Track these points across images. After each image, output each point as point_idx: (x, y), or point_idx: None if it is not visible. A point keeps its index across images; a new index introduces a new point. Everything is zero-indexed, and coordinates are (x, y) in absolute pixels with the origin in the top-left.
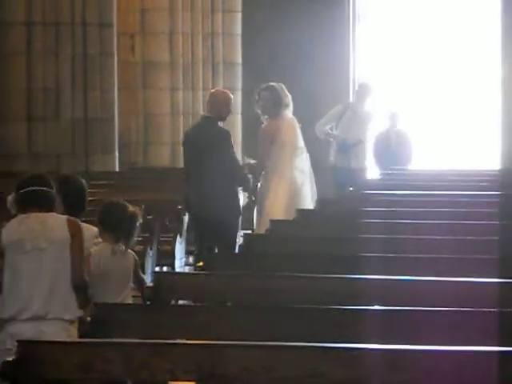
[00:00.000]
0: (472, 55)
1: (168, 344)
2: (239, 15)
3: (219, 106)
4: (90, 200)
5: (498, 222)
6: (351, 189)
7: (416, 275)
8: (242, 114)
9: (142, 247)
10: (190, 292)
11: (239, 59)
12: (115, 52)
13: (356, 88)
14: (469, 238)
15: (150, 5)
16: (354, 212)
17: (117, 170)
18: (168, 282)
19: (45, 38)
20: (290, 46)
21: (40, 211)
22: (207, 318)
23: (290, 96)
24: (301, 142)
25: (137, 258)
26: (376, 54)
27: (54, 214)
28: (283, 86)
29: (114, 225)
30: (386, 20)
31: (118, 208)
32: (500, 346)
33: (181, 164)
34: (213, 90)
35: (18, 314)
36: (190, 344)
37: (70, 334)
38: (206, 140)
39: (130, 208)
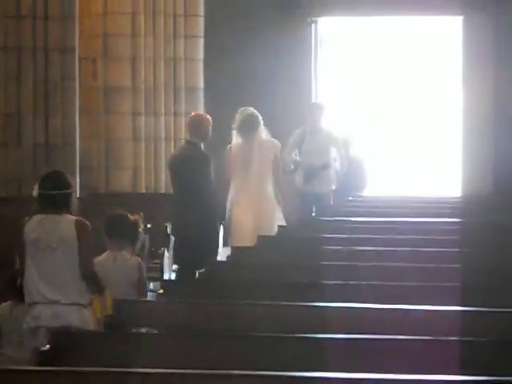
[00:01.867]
0: (433, 80)
1: (125, 372)
2: (201, 40)
3: (203, 130)
4: None
5: (459, 250)
6: (313, 214)
7: (377, 303)
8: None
9: None
10: (150, 319)
11: (201, 84)
12: (77, 77)
13: (308, 109)
14: (430, 265)
15: (113, 30)
16: (315, 238)
17: (77, 195)
18: (128, 310)
19: (6, 63)
20: (252, 71)
21: (55, 212)
22: (166, 345)
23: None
24: None
25: (143, 266)
26: (337, 79)
27: (66, 215)
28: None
29: (119, 233)
30: (348, 45)
31: (120, 217)
32: (461, 374)
33: (141, 189)
34: (193, 114)
35: (38, 299)
36: (148, 373)
37: (83, 316)
38: (190, 165)
39: (131, 216)
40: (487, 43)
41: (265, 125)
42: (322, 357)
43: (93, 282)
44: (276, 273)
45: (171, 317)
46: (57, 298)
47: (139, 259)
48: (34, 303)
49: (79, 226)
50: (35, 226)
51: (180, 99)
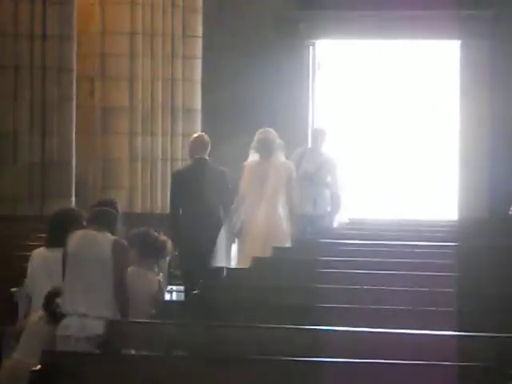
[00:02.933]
0: (430, 104)
1: None
2: (199, 62)
3: (209, 148)
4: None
5: (454, 274)
6: (309, 236)
7: (373, 326)
8: None
9: None
10: (140, 341)
11: (199, 105)
12: (74, 96)
13: (311, 133)
14: (425, 289)
15: (111, 50)
16: (311, 261)
17: None
18: (119, 331)
19: (3, 81)
20: (249, 93)
21: (96, 229)
22: (157, 368)
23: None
24: None
25: (162, 285)
26: (335, 102)
27: (106, 233)
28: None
29: (151, 251)
30: (346, 68)
31: (151, 236)
32: None
33: (137, 209)
34: (199, 134)
35: (70, 310)
36: None
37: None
38: (205, 179)
39: (160, 236)
40: (484, 68)
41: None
42: (318, 381)
43: (120, 298)
44: (271, 295)
45: (161, 338)
46: (87, 312)
47: (160, 278)
48: (67, 313)
49: (116, 245)
50: (77, 240)
51: (177, 120)
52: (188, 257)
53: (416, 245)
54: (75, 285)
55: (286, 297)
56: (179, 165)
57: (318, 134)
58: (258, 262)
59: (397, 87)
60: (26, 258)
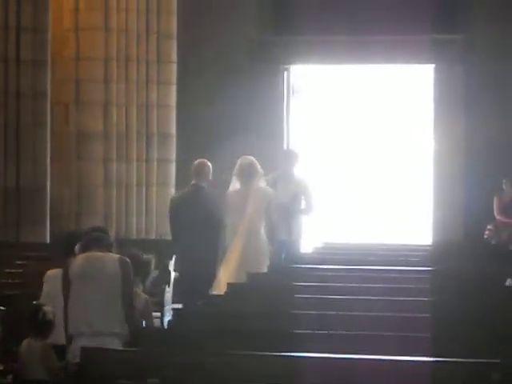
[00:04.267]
0: (405, 130)
1: None
2: (174, 87)
3: (208, 174)
4: (20, 272)
5: (429, 299)
6: (284, 262)
7: (348, 352)
8: (175, 185)
9: None
10: (116, 368)
11: (173, 130)
12: (48, 122)
13: (283, 155)
14: (400, 314)
15: (85, 75)
16: (286, 287)
17: (48, 241)
18: (95, 358)
19: None
20: (224, 118)
21: (98, 251)
22: None
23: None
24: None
25: (149, 301)
26: (310, 126)
27: (109, 253)
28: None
29: (135, 270)
30: (320, 93)
31: (135, 256)
32: None
33: (112, 235)
34: (198, 161)
35: (83, 330)
36: None
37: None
38: (198, 205)
39: (144, 256)
40: (458, 91)
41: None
42: None
43: (130, 314)
44: (245, 321)
45: (137, 366)
46: (101, 328)
47: (146, 296)
48: (80, 334)
49: (122, 263)
50: (81, 262)
51: (152, 145)
52: (184, 280)
53: (390, 269)
54: (84, 303)
55: (261, 323)
56: (154, 190)
57: (289, 157)
58: (232, 288)
59: (371, 111)
60: (6, 285)
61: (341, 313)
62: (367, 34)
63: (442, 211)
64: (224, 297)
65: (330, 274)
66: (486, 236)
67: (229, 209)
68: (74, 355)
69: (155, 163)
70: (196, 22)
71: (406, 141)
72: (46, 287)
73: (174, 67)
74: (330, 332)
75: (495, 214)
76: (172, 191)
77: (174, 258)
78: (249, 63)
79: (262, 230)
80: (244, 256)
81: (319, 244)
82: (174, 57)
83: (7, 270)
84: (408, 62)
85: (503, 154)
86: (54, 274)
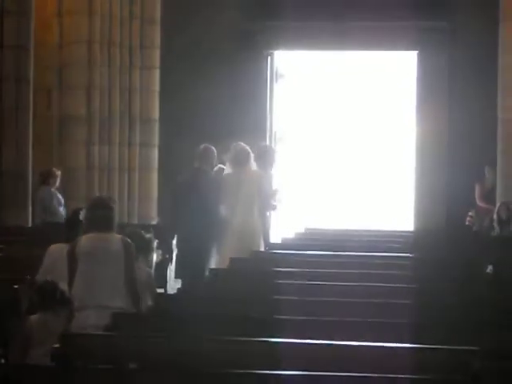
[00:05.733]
0: (388, 116)
1: None
2: (157, 71)
3: (214, 159)
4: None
5: (410, 286)
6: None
7: (329, 339)
8: (158, 169)
9: None
10: (97, 353)
11: (157, 115)
12: (31, 107)
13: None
14: (381, 301)
15: (68, 60)
16: (267, 272)
17: (30, 224)
18: (75, 343)
19: None
20: (207, 103)
21: (105, 231)
22: (113, 381)
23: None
24: None
25: (152, 275)
26: (293, 112)
27: (114, 233)
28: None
29: (138, 247)
30: (304, 79)
31: (136, 234)
32: None
33: None
34: (204, 145)
35: (89, 303)
36: None
37: None
38: (205, 188)
39: (147, 234)
40: (441, 78)
41: (218, 157)
42: None
43: (133, 291)
44: (227, 306)
45: (117, 351)
46: (105, 302)
47: (150, 270)
48: (85, 307)
49: (125, 243)
50: (86, 242)
51: (135, 129)
52: (187, 254)
53: (372, 255)
54: (90, 279)
55: (242, 308)
56: (136, 175)
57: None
58: (214, 273)
59: (355, 98)
60: None
61: (321, 299)
62: (351, 20)
63: (424, 198)
64: (206, 282)
65: (311, 259)
66: (467, 222)
67: (225, 191)
68: (78, 326)
69: (137, 147)
70: (180, 6)
71: (388, 127)
72: (47, 260)
73: (158, 52)
74: (311, 318)
75: (477, 200)
76: (154, 176)
77: (175, 238)
78: (233, 48)
79: (256, 211)
80: (241, 235)
81: (301, 230)
82: (158, 42)
83: None
84: (392, 48)
85: (486, 141)
86: (57, 249)
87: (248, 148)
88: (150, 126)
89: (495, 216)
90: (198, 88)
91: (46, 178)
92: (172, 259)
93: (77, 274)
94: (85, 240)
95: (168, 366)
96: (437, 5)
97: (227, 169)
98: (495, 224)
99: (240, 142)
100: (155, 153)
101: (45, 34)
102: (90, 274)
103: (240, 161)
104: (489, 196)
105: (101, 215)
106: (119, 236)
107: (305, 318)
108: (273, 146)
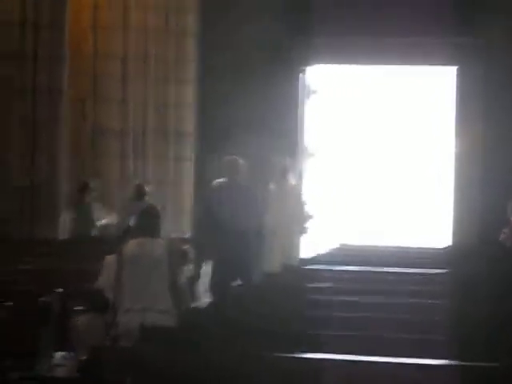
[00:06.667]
0: (425, 132)
1: None
2: (191, 86)
3: (241, 170)
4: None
5: (444, 302)
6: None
7: (365, 355)
8: (193, 183)
9: None
10: (124, 366)
11: (191, 129)
12: (63, 117)
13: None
14: (415, 317)
15: (103, 70)
16: (298, 287)
17: (61, 236)
18: (102, 355)
19: None
20: (241, 118)
21: (150, 236)
22: None
23: None
24: None
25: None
26: (327, 127)
27: (157, 239)
28: None
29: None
30: (339, 94)
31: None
32: None
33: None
34: (232, 158)
35: (134, 307)
36: None
37: (167, 323)
38: (241, 197)
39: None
40: (478, 94)
41: (250, 172)
42: None
43: (176, 294)
44: (260, 321)
45: (144, 363)
46: (150, 305)
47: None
48: (130, 309)
49: (169, 247)
50: (133, 247)
51: (169, 143)
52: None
53: (404, 272)
54: (135, 283)
55: (273, 323)
56: (170, 189)
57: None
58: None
59: (392, 113)
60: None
61: (355, 315)
62: (387, 36)
63: (460, 214)
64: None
65: (346, 276)
66: (501, 239)
67: (268, 204)
68: (123, 328)
69: (171, 161)
70: (216, 20)
71: (425, 143)
72: (104, 271)
73: (193, 66)
74: (344, 333)
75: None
76: (188, 189)
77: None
78: (267, 63)
79: (295, 224)
80: (284, 248)
81: (336, 245)
82: (193, 55)
83: (20, 267)
84: (429, 63)
85: None
86: (111, 259)
87: (287, 163)
88: (184, 139)
89: None
90: (232, 103)
91: (83, 191)
92: (199, 274)
93: (123, 278)
94: (130, 245)
95: (196, 380)
96: (473, 20)
97: (270, 183)
98: None
99: (282, 158)
100: (189, 166)
101: (80, 46)
102: (134, 277)
103: (281, 175)
104: None
105: (148, 222)
106: (163, 241)
107: (338, 333)
108: (300, 160)
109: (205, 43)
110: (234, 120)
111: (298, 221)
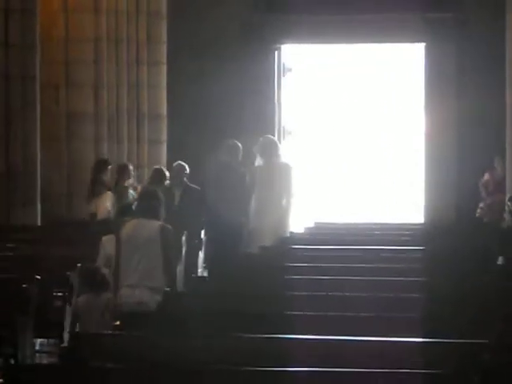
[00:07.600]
0: (396, 108)
1: None
2: (164, 67)
3: (238, 155)
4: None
5: (420, 279)
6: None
7: (339, 334)
8: (166, 166)
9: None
10: (106, 352)
11: (164, 111)
12: (38, 103)
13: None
14: (391, 295)
15: (75, 56)
16: (277, 268)
17: (39, 223)
18: (86, 342)
19: None
20: (215, 98)
21: (146, 218)
22: (122, 379)
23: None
24: None
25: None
26: (301, 105)
27: (153, 221)
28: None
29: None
30: (311, 72)
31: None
32: None
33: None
34: (232, 142)
35: (133, 282)
36: None
37: (157, 298)
38: (234, 178)
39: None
40: (449, 70)
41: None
42: None
43: (168, 274)
44: (236, 303)
45: (126, 350)
46: (145, 282)
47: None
48: (127, 286)
49: (162, 229)
50: (129, 228)
51: (143, 126)
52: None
53: (382, 249)
54: (132, 261)
55: (252, 304)
56: (145, 171)
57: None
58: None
59: (362, 90)
60: None
61: (332, 293)
62: (358, 13)
63: (433, 190)
64: (213, 278)
65: (320, 254)
66: (477, 214)
67: (257, 182)
68: (122, 302)
69: (146, 143)
70: (187, 1)
71: (397, 120)
72: (102, 251)
73: (165, 47)
74: (321, 313)
75: (480, 188)
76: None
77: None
78: (241, 42)
79: (284, 201)
80: (271, 223)
81: (310, 224)
82: (164, 36)
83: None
84: (399, 40)
85: (494, 132)
86: (107, 239)
87: (276, 140)
88: (158, 121)
89: (506, 207)
90: (206, 83)
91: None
92: (201, 247)
93: (121, 256)
94: (128, 226)
95: (178, 364)
96: None
97: (257, 160)
98: (506, 215)
99: (268, 135)
100: (164, 149)
101: (50, 31)
102: (131, 255)
103: (270, 153)
104: (499, 187)
105: (147, 204)
106: (159, 222)
107: (313, 313)
108: (281, 139)
109: (177, 24)
110: (209, 101)
111: (286, 198)
